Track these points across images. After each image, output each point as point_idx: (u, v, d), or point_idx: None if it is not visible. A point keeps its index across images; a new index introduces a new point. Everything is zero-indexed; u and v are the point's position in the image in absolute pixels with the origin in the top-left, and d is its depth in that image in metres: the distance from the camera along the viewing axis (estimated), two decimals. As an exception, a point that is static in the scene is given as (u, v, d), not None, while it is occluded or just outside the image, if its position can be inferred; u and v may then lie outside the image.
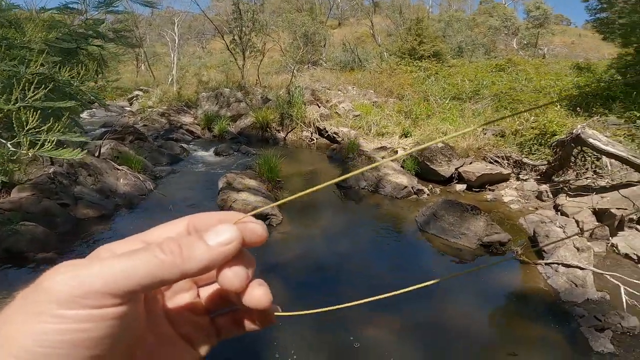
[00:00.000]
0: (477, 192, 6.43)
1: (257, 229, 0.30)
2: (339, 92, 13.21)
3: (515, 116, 8.06)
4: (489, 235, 4.46)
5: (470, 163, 6.84)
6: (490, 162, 6.97)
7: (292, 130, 10.11)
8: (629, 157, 5.05)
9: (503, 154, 7.06)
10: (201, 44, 32.47)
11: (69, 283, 0.25)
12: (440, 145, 6.98)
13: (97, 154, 6.37)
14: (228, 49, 15.47)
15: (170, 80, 16.08)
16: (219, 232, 0.29)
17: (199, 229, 0.31)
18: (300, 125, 10.09)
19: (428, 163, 6.77)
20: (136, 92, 15.85)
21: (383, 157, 7.30)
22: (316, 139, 9.89)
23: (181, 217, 0.32)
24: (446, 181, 6.69)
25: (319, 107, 10.93)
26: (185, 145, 8.82)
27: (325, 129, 9.87)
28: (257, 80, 14.87)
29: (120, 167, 5.94)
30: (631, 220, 4.56)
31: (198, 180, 6.69)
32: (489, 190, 6.44)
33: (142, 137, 8.03)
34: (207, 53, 28.88)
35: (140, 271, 0.26)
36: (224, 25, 16.21)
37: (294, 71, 13.69)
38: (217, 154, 8.35)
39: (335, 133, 9.52)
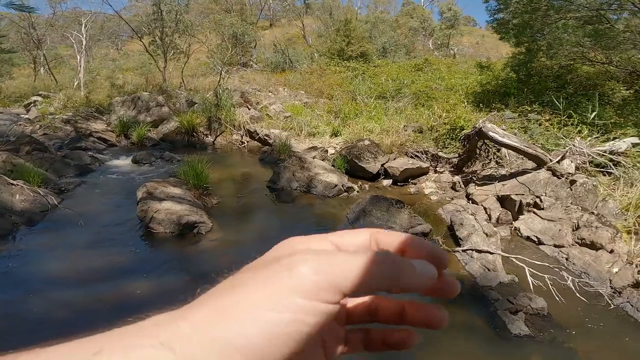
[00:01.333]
0: (402, 186, 6.85)
1: (455, 287, 0.35)
2: (270, 93, 13.15)
3: (429, 113, 8.77)
4: (412, 227, 4.73)
5: (395, 159, 7.26)
6: (412, 157, 7.48)
7: (221, 134, 9.75)
8: (522, 147, 5.77)
9: (422, 149, 7.63)
10: (116, 46, 29.83)
11: (319, 273, 0.26)
12: (367, 142, 7.30)
13: (-17, 169, 5.43)
14: (147, 51, 14.40)
15: (76, 84, 14.42)
16: (425, 266, 0.31)
17: (381, 245, 0.33)
18: (230, 128, 9.79)
19: (356, 161, 7.03)
20: (34, 98, 13.90)
21: (314, 157, 7.39)
22: (247, 142, 9.68)
23: (363, 229, 0.35)
24: (374, 177, 7.02)
25: (249, 109, 10.74)
26: (96, 155, 7.92)
27: (256, 131, 9.71)
28: (181, 83, 14.09)
29: (15, 182, 5.13)
30: (528, 204, 5.08)
31: (113, 192, 6.06)
32: (412, 183, 6.91)
33: (42, 148, 7.05)
34: (123, 55, 26.63)
35: (369, 274, 0.27)
36: (143, 26, 15.04)
37: (222, 73, 13.25)
38: (135, 162, 7.67)
39: (266, 135, 9.41)
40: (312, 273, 0.26)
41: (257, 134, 9.62)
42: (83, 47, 15.23)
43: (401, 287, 0.29)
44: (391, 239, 0.33)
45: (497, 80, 10.35)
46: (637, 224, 4.47)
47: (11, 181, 5.13)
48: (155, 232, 4.54)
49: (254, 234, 4.95)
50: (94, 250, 4.15)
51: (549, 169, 5.56)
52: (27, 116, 12.06)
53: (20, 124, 10.14)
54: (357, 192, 6.45)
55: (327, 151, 8.13)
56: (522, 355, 2.93)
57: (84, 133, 9.17)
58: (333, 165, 7.20)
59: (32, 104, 13.34)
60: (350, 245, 0.33)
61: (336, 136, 9.19)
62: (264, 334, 0.24)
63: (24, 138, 7.23)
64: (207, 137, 9.73)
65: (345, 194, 6.33)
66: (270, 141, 9.09)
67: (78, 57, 15.10)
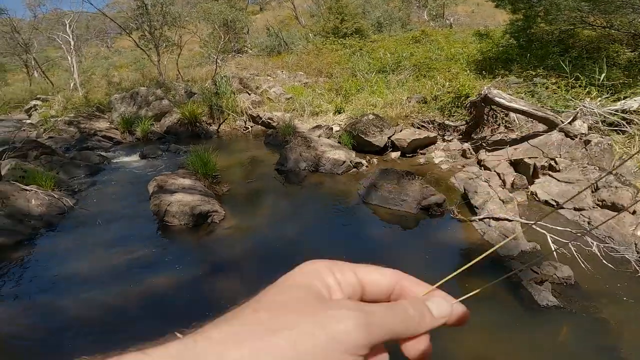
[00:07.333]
0: (411, 157, 6.79)
1: (464, 316, 0.35)
2: (269, 77, 13.01)
3: (432, 83, 8.62)
4: (426, 198, 4.64)
5: (401, 131, 7.17)
6: (418, 128, 7.38)
7: (224, 121, 9.70)
8: (531, 110, 5.65)
9: (428, 119, 7.52)
10: (105, 43, 29.45)
11: (363, 332, 0.27)
12: (371, 117, 7.19)
13: (-4, 177, 5.49)
14: (138, 46, 14.18)
15: (72, 84, 14.31)
16: (441, 306, 0.33)
17: (405, 293, 0.35)
18: (232, 115, 9.73)
19: (362, 135, 6.96)
20: (33, 102, 13.88)
21: (319, 136, 7.33)
22: (251, 127, 9.63)
23: (391, 270, 0.36)
24: (381, 150, 6.96)
25: (249, 94, 10.63)
26: (104, 153, 7.97)
27: (258, 115, 9.65)
28: (177, 74, 13.93)
29: (28, 187, 5.19)
30: (543, 167, 4.96)
31: (125, 188, 6.11)
32: (421, 154, 6.84)
33: (49, 151, 7.08)
34: (115, 52, 26.36)
35: (400, 325, 0.30)
36: (129, 22, 14.75)
37: (218, 61, 13.05)
38: (143, 157, 7.69)
39: (269, 118, 9.35)
40: (360, 334, 0.27)
41: (260, 118, 9.55)
42: (72, 47, 14.99)
43: (419, 332, 0.32)
44: (416, 290, 0.35)
45: (497, 48, 10.16)
46: (656, 182, 4.36)
47: (24, 187, 5.19)
48: (171, 224, 4.59)
49: (267, 218, 4.98)
50: (114, 248, 4.22)
51: (561, 130, 5.44)
52: (29, 121, 12.09)
53: (24, 130, 10.17)
54: (366, 166, 6.42)
55: (331, 129, 8.05)
56: (552, 326, 2.82)
57: (88, 133, 9.17)
58: (339, 142, 7.15)
59: (33, 109, 13.34)
60: (375, 286, 0.34)
61: (339, 113, 9.08)
62: None
63: (30, 143, 7.26)
64: (211, 125, 9.69)
65: (355, 169, 6.30)
66: (274, 124, 9.04)
67: (69, 58, 14.90)
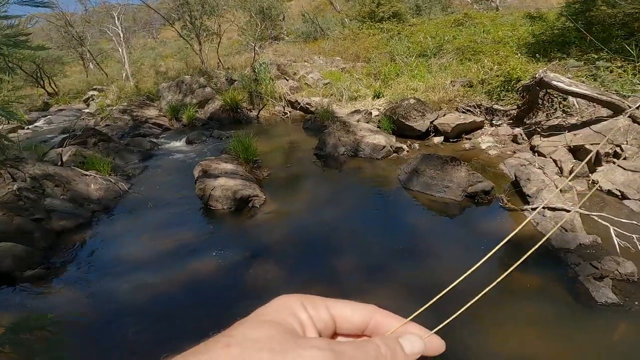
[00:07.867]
0: (455, 142, 6.49)
1: (439, 348, 0.35)
2: (306, 63, 12.98)
3: (478, 67, 8.11)
4: (472, 185, 4.44)
5: (444, 115, 6.86)
6: (463, 112, 7.02)
7: (263, 107, 9.85)
8: (594, 94, 5.18)
9: (474, 103, 7.12)
10: (151, 35, 30.80)
11: None
12: (412, 101, 6.93)
13: (59, 163, 6.00)
14: (181, 36, 14.68)
15: (124, 75, 15.17)
16: (414, 343, 0.34)
17: (380, 327, 0.36)
18: (271, 101, 9.84)
19: (403, 120, 6.74)
20: (91, 92, 14.93)
21: (358, 120, 7.20)
22: (289, 112, 9.70)
23: (365, 305, 0.37)
24: (423, 135, 6.71)
25: (287, 80, 10.68)
26: (154, 139, 8.44)
27: (297, 101, 9.68)
28: (218, 62, 14.30)
29: (87, 173, 5.63)
30: (607, 154, 4.58)
31: (173, 173, 6.44)
32: (466, 139, 6.51)
33: (106, 138, 7.60)
34: (160, 43, 27.52)
35: None
36: (172, 13, 15.28)
37: (256, 48, 13.20)
38: (189, 142, 8.05)
39: (307, 104, 9.35)
40: None
41: (299, 104, 9.58)
42: (122, 39, 15.79)
43: None
44: (390, 324, 0.35)
45: (552, 30, 9.37)
46: None
47: (84, 172, 5.63)
48: (214, 209, 4.76)
49: (306, 203, 5.02)
50: (163, 231, 4.47)
51: (629, 115, 4.93)
52: (88, 110, 13.04)
53: (83, 118, 11.00)
54: (407, 151, 6.23)
55: (370, 113, 7.89)
56: (610, 325, 2.64)
57: (140, 120, 9.73)
58: (379, 127, 6.99)
59: (90, 99, 14.36)
60: (347, 322, 0.35)
61: (378, 98, 8.87)
62: None
63: (89, 131, 7.82)
64: (251, 111, 9.89)
65: (395, 154, 6.15)
66: (312, 109, 9.03)
67: (120, 50, 15.75)
